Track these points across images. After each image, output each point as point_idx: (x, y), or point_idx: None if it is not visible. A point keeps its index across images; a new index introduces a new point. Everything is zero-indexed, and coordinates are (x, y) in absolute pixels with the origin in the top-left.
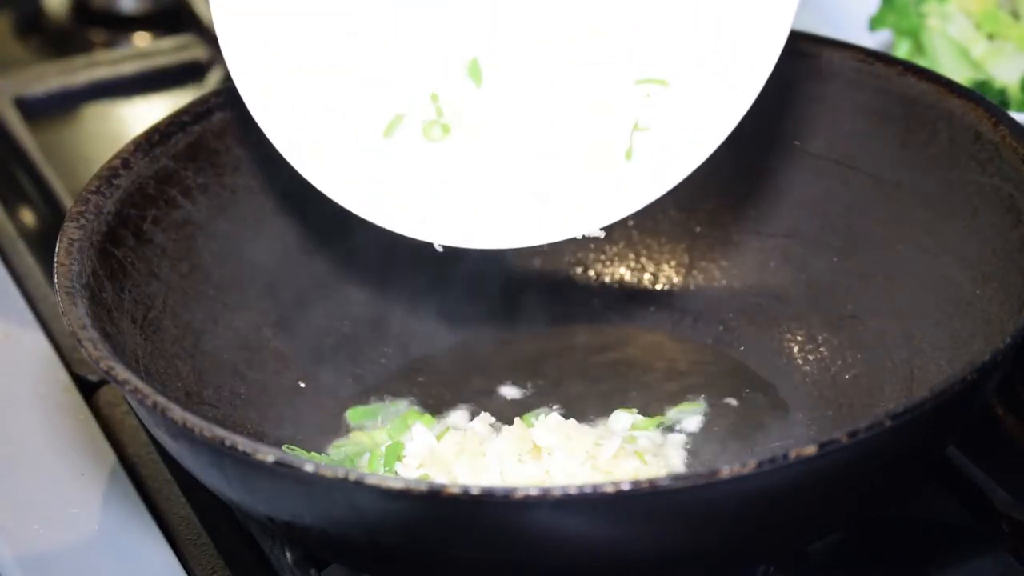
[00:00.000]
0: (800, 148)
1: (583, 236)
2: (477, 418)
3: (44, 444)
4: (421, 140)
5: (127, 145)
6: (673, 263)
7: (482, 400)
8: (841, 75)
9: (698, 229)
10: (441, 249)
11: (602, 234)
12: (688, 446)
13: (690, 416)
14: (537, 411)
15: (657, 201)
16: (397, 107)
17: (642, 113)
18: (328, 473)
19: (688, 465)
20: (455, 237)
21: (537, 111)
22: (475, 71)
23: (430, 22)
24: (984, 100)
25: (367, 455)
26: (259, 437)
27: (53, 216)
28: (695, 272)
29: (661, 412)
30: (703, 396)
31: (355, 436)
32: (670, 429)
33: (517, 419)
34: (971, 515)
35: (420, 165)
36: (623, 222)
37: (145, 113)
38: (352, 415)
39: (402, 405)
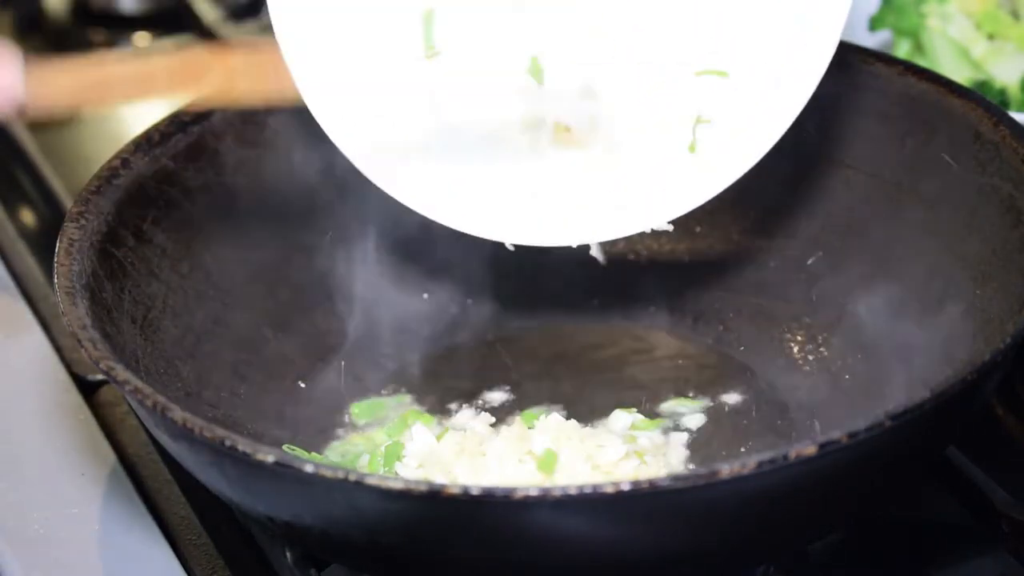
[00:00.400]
0: (800, 148)
1: (651, 230)
2: (477, 418)
3: (44, 444)
4: (479, 140)
5: (127, 145)
6: (673, 263)
7: (482, 400)
8: (841, 75)
9: (698, 229)
10: (513, 248)
11: (670, 227)
12: (688, 445)
13: (689, 413)
14: (537, 411)
15: None
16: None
17: (704, 106)
18: (328, 473)
19: (688, 465)
20: (522, 236)
21: (598, 107)
22: (536, 70)
23: (488, 24)
24: (984, 100)
25: (367, 455)
26: (259, 437)
27: (53, 216)
28: (695, 272)
29: (661, 412)
30: (703, 396)
31: (354, 437)
32: (671, 429)
33: (517, 419)
34: (971, 515)
35: (482, 165)
36: None
37: (145, 113)
38: (356, 410)
39: (404, 402)
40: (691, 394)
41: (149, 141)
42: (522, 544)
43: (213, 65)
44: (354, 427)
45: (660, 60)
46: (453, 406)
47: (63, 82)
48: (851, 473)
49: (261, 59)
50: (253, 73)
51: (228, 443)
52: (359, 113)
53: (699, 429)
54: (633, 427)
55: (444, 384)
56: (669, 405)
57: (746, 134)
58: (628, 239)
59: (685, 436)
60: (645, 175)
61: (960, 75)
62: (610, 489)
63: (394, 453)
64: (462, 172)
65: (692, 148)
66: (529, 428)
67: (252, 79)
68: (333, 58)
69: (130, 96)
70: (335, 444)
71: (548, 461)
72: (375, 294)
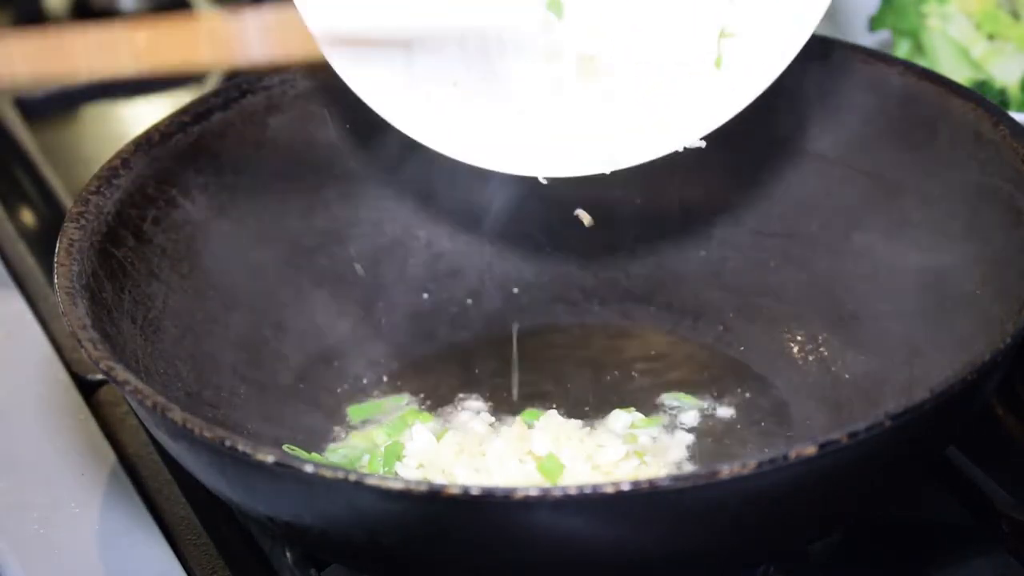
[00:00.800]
0: (800, 148)
1: (685, 149)
2: (477, 418)
3: (44, 444)
4: (501, 78)
5: (127, 145)
6: (673, 263)
7: (481, 400)
8: (841, 75)
9: (698, 229)
10: (546, 182)
11: (703, 144)
12: (688, 445)
13: (689, 413)
14: (537, 410)
15: (657, 201)
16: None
17: (727, 21)
18: (328, 473)
19: (688, 465)
20: (554, 168)
21: (620, 31)
22: (555, 5)
23: None
24: (984, 100)
25: (367, 456)
26: (259, 437)
27: (53, 216)
28: (695, 272)
29: (660, 411)
30: (703, 395)
31: (353, 437)
32: (671, 428)
33: (517, 419)
34: (971, 515)
35: (506, 101)
36: (623, 223)
37: (145, 113)
38: (353, 412)
39: (403, 403)
40: (691, 394)
41: (149, 141)
42: (522, 544)
43: (206, 31)
44: (354, 427)
45: None
46: (453, 406)
47: (20, 49)
48: (851, 473)
49: (272, 20)
50: (264, 35)
51: (228, 443)
52: (378, 56)
53: (699, 429)
54: (633, 426)
55: (443, 384)
56: (669, 404)
57: (769, 46)
58: (628, 238)
59: (685, 436)
60: (674, 94)
61: (960, 75)
62: (610, 489)
63: (394, 453)
64: (486, 110)
65: (718, 63)
66: (529, 428)
67: (263, 41)
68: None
69: (99, 66)
70: (335, 444)
71: (553, 469)
72: (374, 294)
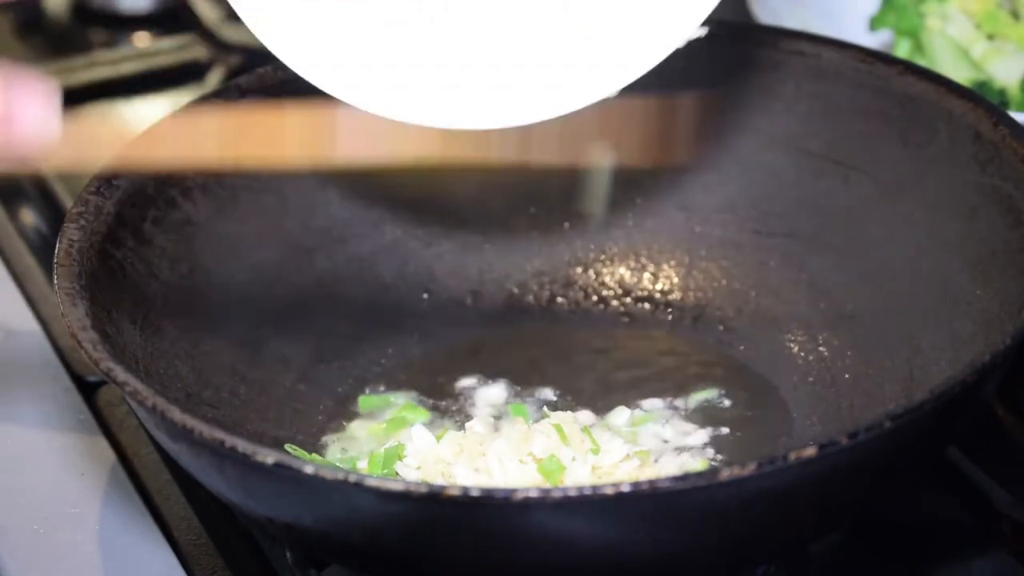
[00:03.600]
0: (800, 148)
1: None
2: (477, 418)
3: (44, 444)
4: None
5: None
6: (673, 263)
7: (482, 400)
8: (841, 75)
9: (698, 229)
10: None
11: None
12: (688, 446)
13: (687, 409)
14: (536, 410)
15: (657, 200)
16: None
17: None
18: (328, 475)
19: (687, 465)
20: (518, 115)
21: None
22: None
23: None
24: (984, 100)
25: (367, 456)
26: (259, 437)
27: (53, 216)
28: (695, 272)
29: (660, 411)
30: (702, 395)
31: (353, 431)
32: (670, 427)
33: (518, 419)
34: (971, 515)
35: (440, 42)
36: (623, 221)
37: (145, 113)
38: (363, 403)
39: (404, 402)
40: (691, 394)
41: None
42: (523, 545)
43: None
44: (353, 426)
45: None
46: (453, 406)
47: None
48: (851, 473)
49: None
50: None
51: (228, 444)
52: (311, 31)
53: (699, 429)
54: (633, 425)
55: (444, 384)
56: (669, 404)
57: None
58: (628, 240)
59: (684, 436)
60: (606, 32)
61: (960, 75)
62: (610, 490)
63: (394, 454)
64: (434, 67)
65: None
66: (529, 428)
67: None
68: None
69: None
70: (335, 444)
71: (554, 470)
72: (374, 294)
